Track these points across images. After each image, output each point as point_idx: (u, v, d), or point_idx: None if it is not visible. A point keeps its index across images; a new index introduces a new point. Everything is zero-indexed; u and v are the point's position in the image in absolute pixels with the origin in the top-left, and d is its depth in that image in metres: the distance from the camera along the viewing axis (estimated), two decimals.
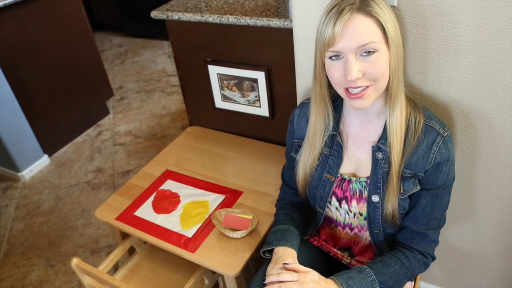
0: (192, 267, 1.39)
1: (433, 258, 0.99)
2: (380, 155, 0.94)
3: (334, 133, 0.99)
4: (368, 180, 0.96)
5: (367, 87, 0.83)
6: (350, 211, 1.01)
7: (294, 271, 0.94)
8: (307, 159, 1.02)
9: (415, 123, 0.90)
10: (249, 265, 1.70)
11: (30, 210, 2.27)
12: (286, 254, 0.99)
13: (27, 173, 2.51)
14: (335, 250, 1.13)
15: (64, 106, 2.70)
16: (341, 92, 0.87)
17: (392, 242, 1.03)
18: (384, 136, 0.92)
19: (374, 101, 0.87)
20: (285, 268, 0.95)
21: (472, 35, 0.94)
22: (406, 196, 0.93)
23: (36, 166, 2.55)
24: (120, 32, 4.57)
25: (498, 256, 1.28)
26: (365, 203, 0.98)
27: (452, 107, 1.07)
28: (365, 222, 1.01)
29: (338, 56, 0.83)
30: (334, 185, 1.00)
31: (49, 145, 2.65)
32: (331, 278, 0.92)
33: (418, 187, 0.92)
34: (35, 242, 2.06)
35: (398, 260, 0.95)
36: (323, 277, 0.92)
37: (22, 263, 1.96)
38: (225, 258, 1.26)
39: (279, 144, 1.75)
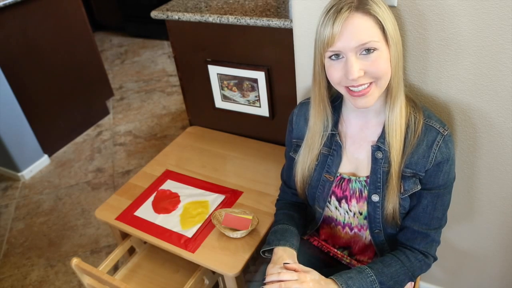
0: (192, 267, 1.39)
1: (435, 258, 0.99)
2: (379, 155, 0.94)
3: (333, 132, 0.99)
4: (368, 180, 0.96)
5: (370, 83, 0.83)
6: (350, 211, 1.01)
7: (295, 270, 0.94)
8: (305, 159, 1.02)
9: (415, 123, 0.90)
10: (249, 265, 1.70)
11: (30, 210, 2.27)
12: (286, 254, 0.99)
13: (27, 173, 2.51)
14: (335, 250, 1.13)
15: (64, 106, 2.70)
16: (343, 91, 0.87)
17: (393, 242, 1.03)
18: (383, 136, 0.92)
19: (376, 99, 0.86)
20: (286, 267, 0.95)
21: (472, 35, 0.94)
22: (406, 195, 0.93)
23: (36, 166, 2.55)
24: (120, 32, 4.57)
25: (498, 256, 1.28)
26: (365, 203, 0.97)
27: (452, 107, 1.07)
28: (365, 221, 1.00)
29: (338, 56, 0.83)
30: (334, 185, 1.00)
31: (49, 145, 2.65)
32: (331, 278, 0.92)
33: (419, 187, 0.92)
34: (35, 242, 2.06)
35: (398, 260, 0.95)
36: (323, 277, 0.92)
37: (22, 263, 1.96)
38: (225, 258, 1.26)
39: (279, 144, 1.75)
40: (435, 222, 0.95)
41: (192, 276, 1.31)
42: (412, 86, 1.08)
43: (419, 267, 0.97)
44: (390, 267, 0.94)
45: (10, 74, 2.29)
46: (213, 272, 1.40)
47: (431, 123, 0.90)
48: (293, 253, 1.00)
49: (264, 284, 0.95)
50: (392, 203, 0.93)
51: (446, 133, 0.90)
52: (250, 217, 1.32)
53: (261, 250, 1.06)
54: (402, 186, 0.93)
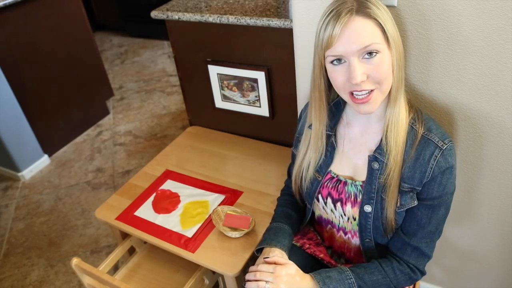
0: (192, 267, 1.39)
1: (423, 273, 0.97)
2: (376, 165, 0.92)
3: (330, 133, 0.98)
4: (364, 185, 0.95)
5: (372, 90, 0.82)
6: (344, 215, 1.00)
7: (275, 263, 0.95)
8: (302, 156, 1.02)
9: (414, 135, 0.88)
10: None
11: (30, 210, 2.27)
12: (272, 254, 0.99)
13: (27, 173, 2.51)
14: (329, 257, 1.13)
15: (64, 106, 2.70)
16: (346, 97, 0.86)
17: (383, 251, 1.01)
18: (380, 146, 0.91)
19: (379, 104, 0.85)
20: (265, 261, 0.97)
21: (473, 35, 0.94)
22: (402, 210, 0.92)
23: (36, 166, 2.55)
24: (120, 32, 4.58)
25: (498, 256, 1.28)
26: (358, 209, 0.97)
27: (452, 107, 1.07)
28: (358, 228, 1.00)
29: (340, 60, 0.82)
30: (330, 186, 1.00)
31: (49, 145, 2.65)
32: (309, 274, 0.93)
33: (416, 202, 0.90)
34: (35, 242, 2.06)
35: (382, 270, 0.94)
36: (300, 272, 0.93)
37: (22, 263, 1.96)
38: (225, 258, 1.26)
39: (279, 144, 1.75)
40: (427, 235, 0.93)
41: (192, 276, 1.31)
42: (412, 86, 1.08)
43: (404, 280, 0.96)
44: (372, 275, 0.94)
45: (10, 74, 2.29)
46: (213, 272, 1.40)
47: (430, 136, 0.88)
48: (282, 253, 1.00)
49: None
50: (387, 216, 0.92)
51: (445, 147, 0.86)
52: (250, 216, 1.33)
53: (255, 249, 1.07)
54: (398, 200, 0.91)
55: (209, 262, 1.26)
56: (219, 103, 1.80)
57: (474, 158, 1.13)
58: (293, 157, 1.11)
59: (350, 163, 0.98)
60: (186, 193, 1.53)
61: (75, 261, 1.27)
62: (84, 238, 2.04)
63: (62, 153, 2.71)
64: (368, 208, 0.94)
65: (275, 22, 1.42)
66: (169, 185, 1.58)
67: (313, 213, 1.12)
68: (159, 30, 4.15)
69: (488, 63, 0.96)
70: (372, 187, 0.93)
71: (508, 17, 0.89)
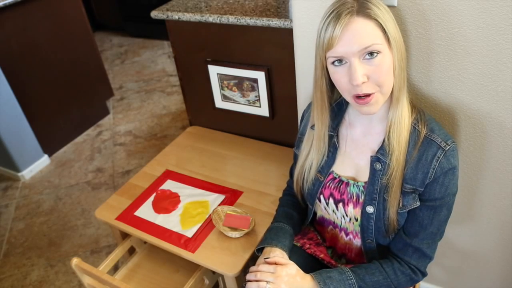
0: (192, 267, 1.39)
1: (424, 274, 0.97)
2: (378, 166, 0.92)
3: (332, 134, 0.98)
4: (366, 185, 0.95)
5: (373, 93, 0.82)
6: (346, 216, 1.00)
7: (275, 263, 0.95)
8: (304, 157, 1.02)
9: (417, 135, 0.88)
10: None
11: (30, 210, 2.27)
12: (273, 254, 0.99)
13: (27, 173, 2.51)
14: (329, 257, 1.13)
15: (64, 106, 2.70)
16: (349, 98, 0.86)
17: (384, 252, 1.01)
18: (383, 147, 0.91)
19: (381, 105, 0.85)
20: (266, 262, 0.97)
21: (473, 35, 0.94)
22: (404, 211, 0.91)
23: (36, 166, 2.55)
24: (120, 32, 4.58)
25: (499, 256, 1.28)
26: (360, 210, 0.97)
27: (452, 107, 1.07)
28: (359, 228, 1.00)
29: (341, 61, 0.82)
30: (332, 186, 1.00)
31: (49, 145, 2.65)
32: (310, 274, 0.93)
33: (418, 203, 0.90)
34: (35, 242, 2.06)
35: (383, 271, 0.94)
36: (301, 272, 0.93)
37: (22, 263, 1.96)
38: (225, 258, 1.26)
39: (279, 144, 1.75)
40: (429, 236, 0.93)
41: (192, 276, 1.31)
42: (413, 86, 1.08)
43: (405, 281, 0.96)
44: (373, 276, 0.94)
45: (10, 74, 2.29)
46: (213, 272, 1.40)
47: (433, 137, 0.87)
48: (283, 253, 1.00)
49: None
50: (389, 217, 0.92)
51: (448, 148, 0.86)
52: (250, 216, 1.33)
53: (256, 248, 1.07)
54: (401, 201, 0.91)
55: (209, 262, 1.26)
56: (219, 103, 1.80)
57: (475, 158, 1.13)
58: (295, 158, 1.10)
59: (352, 164, 0.98)
60: (186, 193, 1.53)
61: (75, 261, 1.27)
62: (84, 238, 2.04)
63: (62, 153, 2.71)
64: (370, 209, 0.94)
65: (275, 22, 1.42)
66: (169, 185, 1.58)
67: (314, 213, 1.12)
68: (159, 30, 4.15)
69: (488, 63, 0.96)
70: (375, 188, 0.93)
71: (508, 17, 0.89)
